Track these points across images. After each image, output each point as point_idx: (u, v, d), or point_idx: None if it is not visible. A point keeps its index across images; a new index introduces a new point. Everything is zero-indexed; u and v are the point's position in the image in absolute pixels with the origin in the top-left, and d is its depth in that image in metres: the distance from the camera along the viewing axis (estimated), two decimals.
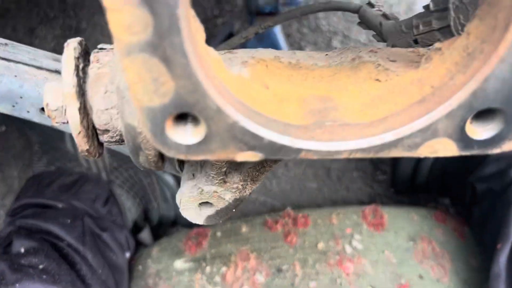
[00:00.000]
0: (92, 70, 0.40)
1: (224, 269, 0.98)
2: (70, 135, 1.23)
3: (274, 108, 0.37)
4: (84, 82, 0.40)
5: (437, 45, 0.37)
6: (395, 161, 1.33)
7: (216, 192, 0.54)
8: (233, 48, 0.55)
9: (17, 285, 0.87)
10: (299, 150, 0.35)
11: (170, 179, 1.23)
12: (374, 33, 0.53)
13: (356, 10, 0.55)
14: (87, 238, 1.00)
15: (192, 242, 1.05)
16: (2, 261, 0.95)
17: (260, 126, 0.34)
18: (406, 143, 0.34)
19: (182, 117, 0.33)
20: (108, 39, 1.85)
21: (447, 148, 0.34)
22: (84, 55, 0.42)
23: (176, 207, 1.24)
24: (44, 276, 0.89)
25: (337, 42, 1.83)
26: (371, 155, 0.35)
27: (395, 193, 1.39)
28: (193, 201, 0.55)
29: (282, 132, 0.35)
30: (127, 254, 1.07)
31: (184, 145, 0.34)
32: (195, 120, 0.33)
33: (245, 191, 0.55)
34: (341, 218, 1.07)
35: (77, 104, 0.38)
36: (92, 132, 0.41)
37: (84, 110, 0.40)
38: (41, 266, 0.92)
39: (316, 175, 1.52)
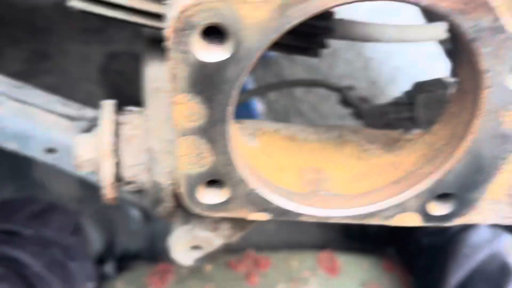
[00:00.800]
0: (124, 131, 0.47)
1: None
2: (39, 163, 1.25)
3: (278, 176, 0.46)
4: (118, 140, 0.47)
5: (408, 136, 0.48)
6: None
7: (208, 237, 0.61)
8: None
9: None
10: (300, 214, 0.43)
11: (136, 214, 1.26)
12: (352, 111, 0.64)
13: (339, 90, 0.65)
14: (54, 267, 1.01)
15: (157, 278, 1.09)
16: None
17: (271, 193, 0.42)
18: (384, 214, 0.44)
19: (211, 183, 0.41)
20: (76, 66, 1.87)
21: (414, 220, 0.44)
22: (116, 116, 0.48)
23: (140, 241, 1.28)
24: None
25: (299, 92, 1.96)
26: (356, 221, 0.44)
27: (347, 238, 1.49)
28: (186, 244, 0.61)
29: (287, 199, 0.43)
30: (90, 286, 1.09)
31: (209, 204, 0.41)
32: (221, 185, 0.41)
33: (233, 237, 0.62)
34: (299, 261, 1.15)
35: (111, 160, 0.45)
36: (117, 183, 0.48)
37: (116, 165, 0.46)
38: None
39: None
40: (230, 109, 0.35)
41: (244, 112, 1.56)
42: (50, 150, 0.65)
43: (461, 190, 0.42)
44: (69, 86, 1.85)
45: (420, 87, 0.52)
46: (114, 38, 1.93)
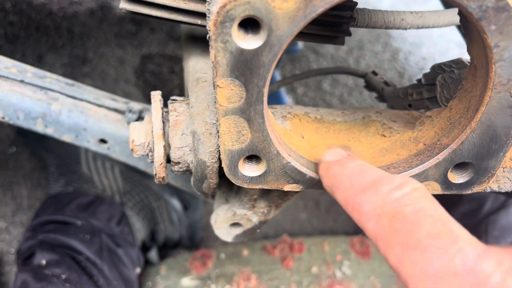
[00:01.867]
0: (171, 117, 0.53)
1: (227, 287, 1.09)
2: (86, 159, 1.34)
3: (310, 153, 0.51)
4: (165, 126, 0.53)
5: (428, 113, 0.52)
6: None
7: (246, 215, 0.66)
8: None
9: None
10: None
11: (177, 204, 1.34)
12: (376, 95, 0.68)
13: (363, 76, 0.70)
14: (104, 253, 1.10)
15: (198, 262, 1.16)
16: (25, 271, 1.04)
17: (303, 166, 0.47)
18: None
19: (250, 158, 0.46)
20: (113, 69, 1.97)
21: (434, 188, 0.49)
22: (164, 104, 0.55)
23: (180, 230, 1.35)
24: (67, 285, 0.99)
25: (326, 85, 1.99)
26: None
27: None
28: (226, 221, 0.67)
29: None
30: (138, 270, 1.17)
31: (249, 176, 0.47)
32: (259, 160, 0.46)
33: (269, 215, 0.68)
34: (332, 246, 1.20)
35: (162, 143, 0.51)
36: (166, 163, 0.54)
37: (165, 147, 0.52)
38: (63, 276, 1.01)
39: (306, 206, 1.65)
40: (265, 91, 0.41)
41: (274, 103, 1.62)
42: (102, 141, 0.72)
43: (477, 159, 0.46)
44: (108, 88, 1.95)
45: (438, 68, 0.55)
46: (147, 41, 2.03)
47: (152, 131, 0.52)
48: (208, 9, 0.38)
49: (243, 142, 0.44)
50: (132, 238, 1.23)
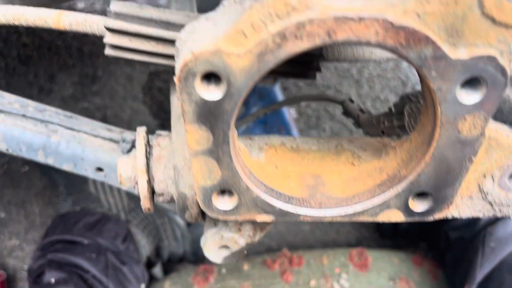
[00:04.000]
0: (155, 152, 0.57)
1: None
2: (93, 180, 1.40)
3: (282, 184, 0.55)
4: (149, 160, 0.57)
5: (393, 143, 0.55)
6: None
7: (233, 238, 0.70)
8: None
9: None
10: (299, 215, 0.52)
11: (180, 221, 1.39)
12: (353, 121, 0.71)
13: (341, 103, 0.73)
14: (110, 271, 1.15)
15: (200, 277, 1.20)
16: None
17: (273, 198, 0.51)
18: (370, 212, 0.52)
19: (222, 192, 0.50)
20: (122, 87, 2.03)
21: (397, 216, 0.52)
22: (148, 140, 0.59)
23: (184, 245, 1.40)
24: None
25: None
26: (347, 219, 0.52)
27: (379, 237, 1.55)
28: (215, 244, 0.71)
29: (287, 203, 0.52)
30: (142, 286, 1.22)
31: (222, 210, 0.51)
32: (231, 194, 0.50)
33: (255, 237, 0.72)
34: (330, 259, 1.23)
35: (146, 177, 0.56)
36: (151, 195, 0.58)
37: (149, 181, 0.57)
38: None
39: None
40: (230, 134, 0.45)
41: (275, 118, 1.66)
42: (99, 169, 0.77)
43: (434, 189, 0.49)
44: (117, 105, 2.02)
45: (406, 98, 0.59)
46: None
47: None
48: (174, 65, 0.43)
49: (214, 179, 0.48)
50: (137, 255, 1.27)
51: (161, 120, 1.96)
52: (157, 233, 1.36)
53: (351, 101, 0.72)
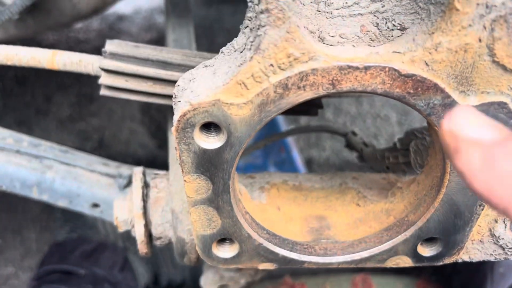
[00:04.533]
0: (152, 194, 0.55)
1: None
2: None
3: (284, 227, 0.52)
4: (146, 203, 0.55)
5: (399, 184, 0.53)
6: None
7: (234, 277, 0.68)
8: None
9: None
10: (303, 262, 0.50)
11: None
12: (356, 155, 0.70)
13: (344, 135, 0.72)
14: None
15: None
16: None
17: (276, 246, 0.49)
18: (377, 258, 0.49)
19: (223, 240, 0.48)
20: (120, 107, 2.01)
21: (405, 261, 0.50)
22: (145, 180, 0.57)
23: (183, 272, 1.36)
24: None
25: (329, 114, 2.01)
26: (352, 265, 0.50)
27: None
28: (215, 283, 0.69)
29: (291, 249, 0.50)
30: None
31: (223, 258, 0.49)
32: (231, 242, 0.48)
33: (256, 276, 0.69)
34: (334, 286, 1.20)
35: (143, 222, 0.53)
36: (149, 238, 0.56)
37: (146, 225, 0.55)
38: None
39: None
40: (231, 183, 0.43)
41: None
42: (95, 205, 0.75)
43: (444, 234, 0.47)
44: (115, 126, 2.00)
45: (411, 134, 0.57)
46: None
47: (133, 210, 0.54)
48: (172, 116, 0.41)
49: (214, 228, 0.46)
50: (135, 284, 1.24)
51: (159, 140, 1.93)
52: (155, 260, 1.33)
53: (354, 133, 0.70)
